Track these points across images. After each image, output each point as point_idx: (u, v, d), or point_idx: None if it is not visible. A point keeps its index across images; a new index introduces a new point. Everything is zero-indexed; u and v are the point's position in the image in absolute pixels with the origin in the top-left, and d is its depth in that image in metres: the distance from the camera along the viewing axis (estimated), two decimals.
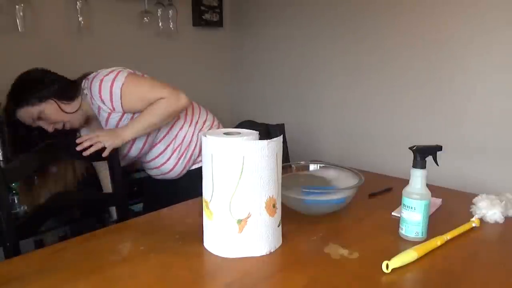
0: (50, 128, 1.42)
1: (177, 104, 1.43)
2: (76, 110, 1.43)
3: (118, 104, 1.37)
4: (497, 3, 1.78)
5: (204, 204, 0.86)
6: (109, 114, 1.40)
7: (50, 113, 1.39)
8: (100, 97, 1.37)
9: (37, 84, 1.43)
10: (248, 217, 0.82)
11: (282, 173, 0.88)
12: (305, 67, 2.56)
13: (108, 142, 1.33)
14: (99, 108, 1.40)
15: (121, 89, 1.36)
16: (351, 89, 2.36)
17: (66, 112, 1.41)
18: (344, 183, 1.08)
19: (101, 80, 1.38)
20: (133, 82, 1.39)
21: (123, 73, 1.40)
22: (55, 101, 1.40)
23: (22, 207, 1.90)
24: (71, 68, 2.19)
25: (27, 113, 1.37)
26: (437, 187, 1.16)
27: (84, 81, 1.46)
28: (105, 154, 1.33)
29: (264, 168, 0.81)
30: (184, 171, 1.56)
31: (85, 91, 1.43)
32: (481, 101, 1.89)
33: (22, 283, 0.75)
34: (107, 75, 1.40)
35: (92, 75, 1.45)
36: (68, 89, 1.44)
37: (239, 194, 0.81)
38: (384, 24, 2.16)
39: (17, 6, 1.88)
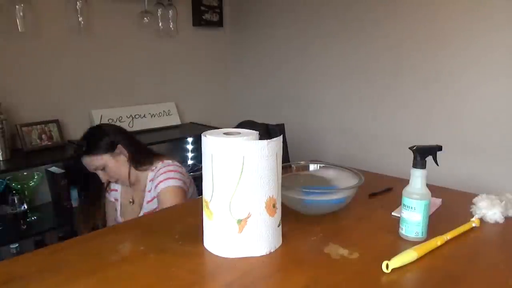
0: (104, 179, 1.47)
1: None
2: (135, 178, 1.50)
3: (156, 192, 1.43)
4: (497, 4, 1.78)
5: (204, 204, 0.86)
6: (156, 208, 1.45)
7: (114, 168, 1.45)
8: (157, 184, 1.42)
9: (116, 135, 1.49)
10: (248, 217, 0.82)
11: (282, 173, 0.88)
12: (305, 67, 2.56)
13: None
14: (151, 192, 1.47)
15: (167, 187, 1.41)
16: (351, 89, 2.36)
17: (128, 175, 1.47)
18: (344, 183, 1.08)
19: (169, 177, 1.43)
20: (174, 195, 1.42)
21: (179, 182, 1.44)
22: (127, 161, 1.47)
23: (22, 207, 1.90)
24: (71, 68, 2.19)
25: (94, 161, 1.43)
26: (437, 187, 1.16)
27: (159, 162, 1.49)
28: None
29: (264, 168, 0.81)
30: None
31: (153, 171, 1.48)
32: (481, 101, 1.89)
33: (22, 283, 0.75)
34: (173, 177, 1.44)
35: (167, 162, 1.49)
36: (143, 157, 1.50)
37: (239, 194, 0.80)
38: (384, 24, 2.16)
39: (17, 6, 1.89)
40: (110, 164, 1.43)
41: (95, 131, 1.50)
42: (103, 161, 1.43)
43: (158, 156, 1.53)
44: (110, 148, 1.44)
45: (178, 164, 1.50)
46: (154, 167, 1.47)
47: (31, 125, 2.00)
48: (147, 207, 1.47)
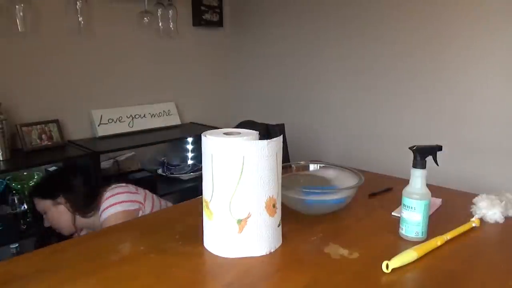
0: (46, 224, 1.46)
1: None
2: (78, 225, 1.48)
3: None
4: (498, 4, 1.78)
5: (204, 204, 0.86)
6: None
7: (54, 217, 1.45)
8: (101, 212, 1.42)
9: (63, 183, 1.49)
10: (248, 217, 0.82)
11: (282, 173, 0.88)
12: (305, 67, 2.56)
13: None
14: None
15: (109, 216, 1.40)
16: (351, 89, 2.36)
17: (72, 225, 1.45)
18: (344, 183, 1.08)
19: (110, 204, 1.41)
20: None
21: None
22: (69, 212, 1.45)
23: (22, 207, 1.90)
24: (71, 68, 2.19)
25: (37, 204, 1.48)
26: (437, 187, 1.16)
27: (104, 193, 1.45)
28: None
29: (264, 168, 0.81)
30: None
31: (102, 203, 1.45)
32: (481, 101, 1.89)
33: (22, 283, 0.75)
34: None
35: (111, 187, 1.45)
36: (88, 203, 1.45)
37: (239, 194, 0.81)
38: (384, 24, 2.16)
39: (17, 6, 1.88)
40: (49, 211, 1.43)
41: (49, 175, 1.53)
42: (42, 207, 1.43)
43: (104, 188, 1.48)
44: (50, 195, 1.44)
45: (122, 185, 1.48)
46: (102, 201, 1.44)
47: (31, 125, 2.00)
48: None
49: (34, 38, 2.02)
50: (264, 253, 0.85)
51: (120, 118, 2.35)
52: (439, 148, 0.93)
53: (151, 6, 2.38)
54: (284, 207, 0.93)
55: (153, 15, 2.39)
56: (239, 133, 0.86)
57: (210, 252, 0.86)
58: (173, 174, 2.48)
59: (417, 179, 0.90)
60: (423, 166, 0.90)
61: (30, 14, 1.95)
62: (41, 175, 2.01)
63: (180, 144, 2.71)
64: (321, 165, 1.20)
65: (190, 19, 2.67)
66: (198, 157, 2.64)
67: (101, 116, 2.28)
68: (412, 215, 0.90)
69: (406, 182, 0.93)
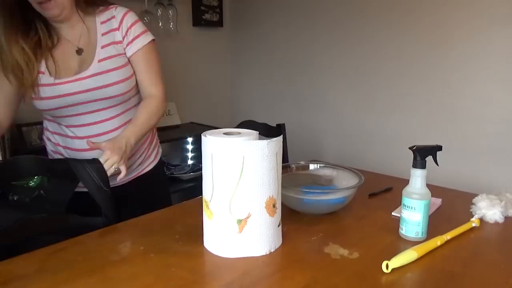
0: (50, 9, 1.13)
1: (164, 108, 1.44)
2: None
3: (134, 49, 1.25)
4: (496, 3, 1.78)
5: (204, 204, 0.86)
6: (115, 55, 1.23)
7: None
8: (127, 26, 1.23)
9: None
10: (248, 217, 0.82)
11: (282, 173, 0.88)
12: (305, 67, 2.56)
13: (121, 163, 1.15)
14: (108, 35, 1.23)
15: (148, 42, 1.27)
16: (351, 89, 2.36)
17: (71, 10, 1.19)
18: (344, 183, 1.09)
19: (136, 20, 1.26)
20: (156, 51, 1.31)
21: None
22: None
23: None
24: None
25: None
26: (437, 187, 1.16)
27: (110, 7, 1.26)
28: (120, 177, 1.16)
29: (264, 168, 0.81)
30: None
31: (104, 14, 1.24)
32: (481, 101, 1.89)
33: (22, 283, 0.75)
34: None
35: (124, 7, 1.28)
36: None
37: (239, 194, 0.81)
38: (383, 24, 2.16)
39: None
40: None
41: None
42: None
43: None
44: None
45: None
46: (105, 11, 1.25)
47: (31, 125, 1.99)
48: (103, 53, 1.23)
49: None
50: (264, 253, 0.85)
51: None
52: (439, 148, 0.93)
53: (151, 6, 2.38)
54: (284, 207, 0.93)
55: (153, 15, 2.39)
56: (239, 133, 0.86)
57: (210, 252, 0.86)
58: (173, 174, 2.48)
59: (417, 179, 0.90)
60: (423, 166, 0.90)
61: None
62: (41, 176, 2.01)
63: (180, 144, 2.71)
64: (321, 165, 1.20)
65: (190, 19, 2.67)
66: (198, 157, 2.64)
67: None
68: (412, 215, 0.90)
69: (406, 182, 0.93)
